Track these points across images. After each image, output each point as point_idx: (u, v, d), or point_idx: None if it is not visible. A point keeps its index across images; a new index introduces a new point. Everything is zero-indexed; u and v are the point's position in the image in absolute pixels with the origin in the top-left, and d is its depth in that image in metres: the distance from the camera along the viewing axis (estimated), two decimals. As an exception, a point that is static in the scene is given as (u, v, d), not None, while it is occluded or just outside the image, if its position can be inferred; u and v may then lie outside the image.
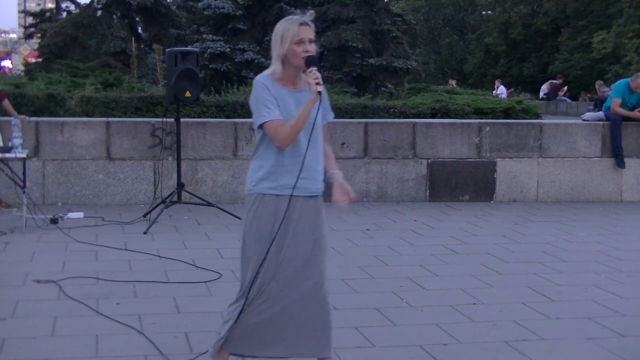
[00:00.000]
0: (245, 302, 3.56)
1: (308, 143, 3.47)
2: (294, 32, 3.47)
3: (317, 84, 3.40)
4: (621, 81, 10.83)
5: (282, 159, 3.52)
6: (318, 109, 3.46)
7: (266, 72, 3.58)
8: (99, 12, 22.79)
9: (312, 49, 3.50)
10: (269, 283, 3.54)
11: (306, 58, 3.46)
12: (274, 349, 3.62)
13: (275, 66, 3.54)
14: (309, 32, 3.50)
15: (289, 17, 3.58)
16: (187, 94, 7.96)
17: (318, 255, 3.61)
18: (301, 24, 3.48)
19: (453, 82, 31.41)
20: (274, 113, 3.47)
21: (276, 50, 3.51)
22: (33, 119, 8.92)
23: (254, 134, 3.61)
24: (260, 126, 3.50)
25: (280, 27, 3.52)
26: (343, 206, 3.62)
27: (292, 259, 3.54)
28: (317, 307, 3.64)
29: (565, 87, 29.39)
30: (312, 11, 3.65)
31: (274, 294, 3.55)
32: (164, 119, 8.77)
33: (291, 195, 3.49)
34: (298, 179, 3.47)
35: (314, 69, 3.44)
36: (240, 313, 3.56)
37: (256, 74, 15.32)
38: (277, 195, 3.53)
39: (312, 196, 3.59)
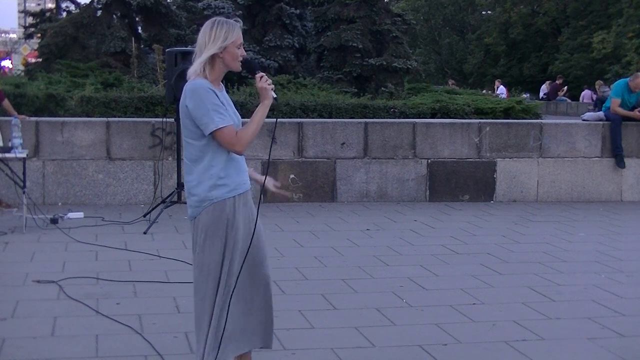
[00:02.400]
0: (227, 310, 3.52)
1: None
2: (237, 35, 3.48)
3: (272, 89, 3.50)
4: (620, 81, 10.83)
5: (232, 162, 3.53)
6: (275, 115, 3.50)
7: (195, 73, 3.48)
8: (99, 12, 22.77)
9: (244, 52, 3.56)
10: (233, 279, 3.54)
11: (248, 61, 3.53)
12: (245, 343, 3.64)
13: (199, 67, 3.47)
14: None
15: (222, 19, 3.53)
16: (187, 94, 7.95)
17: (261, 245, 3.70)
18: (240, 27, 3.52)
19: (451, 82, 31.41)
20: (227, 119, 3.46)
21: (212, 49, 3.45)
22: (33, 119, 8.92)
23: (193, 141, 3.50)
24: (212, 132, 3.42)
25: (220, 28, 3.47)
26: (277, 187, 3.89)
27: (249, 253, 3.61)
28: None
29: (565, 87, 29.40)
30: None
31: (240, 293, 3.58)
32: (164, 119, 8.77)
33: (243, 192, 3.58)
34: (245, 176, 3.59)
35: (263, 74, 3.51)
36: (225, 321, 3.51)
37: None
38: (233, 197, 3.52)
39: (248, 190, 3.67)
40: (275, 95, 3.52)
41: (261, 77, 3.50)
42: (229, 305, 3.52)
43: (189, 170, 3.54)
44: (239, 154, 3.52)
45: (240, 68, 3.54)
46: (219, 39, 3.45)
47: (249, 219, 3.63)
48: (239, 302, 3.57)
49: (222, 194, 3.49)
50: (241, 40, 3.51)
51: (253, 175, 3.82)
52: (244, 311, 3.60)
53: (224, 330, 3.49)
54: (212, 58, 3.47)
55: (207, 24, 3.51)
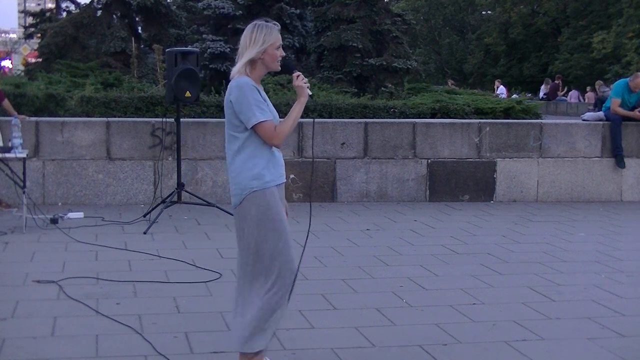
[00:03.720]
0: (291, 288, 3.83)
1: None
2: (276, 38, 3.74)
3: (308, 87, 3.78)
4: (620, 81, 10.83)
5: (271, 154, 3.80)
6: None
7: (238, 72, 3.74)
8: (99, 12, 22.77)
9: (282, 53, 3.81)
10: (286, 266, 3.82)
11: (285, 62, 3.78)
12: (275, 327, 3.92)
13: (242, 67, 3.74)
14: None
15: (262, 23, 3.77)
16: (187, 94, 7.96)
17: None
18: (278, 30, 3.77)
19: (450, 83, 31.41)
20: (268, 114, 3.72)
21: (252, 52, 3.71)
22: (33, 119, 8.92)
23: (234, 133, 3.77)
24: (254, 126, 3.69)
25: (260, 32, 3.73)
26: None
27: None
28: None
29: (566, 88, 29.43)
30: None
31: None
32: (164, 119, 8.77)
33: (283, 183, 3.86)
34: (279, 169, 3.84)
35: (300, 73, 3.81)
36: (289, 297, 3.84)
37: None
38: (277, 186, 3.80)
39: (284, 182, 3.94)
40: (310, 93, 3.79)
41: (297, 76, 3.78)
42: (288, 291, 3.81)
43: (231, 161, 3.79)
44: (277, 147, 3.80)
45: (280, 68, 3.80)
46: (258, 42, 3.71)
47: (284, 211, 3.88)
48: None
49: (262, 183, 3.74)
50: (279, 42, 3.77)
51: None
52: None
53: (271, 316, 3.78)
54: (253, 60, 3.73)
55: (248, 27, 3.77)
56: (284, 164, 3.90)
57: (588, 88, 31.80)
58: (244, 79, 3.72)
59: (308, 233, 4.05)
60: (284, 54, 3.81)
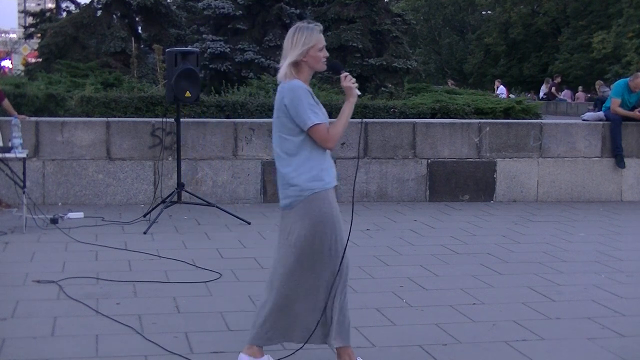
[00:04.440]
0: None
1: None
2: (317, 39, 3.78)
3: (356, 87, 3.78)
4: (620, 81, 10.83)
5: (326, 157, 3.89)
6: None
7: (285, 75, 3.79)
8: (99, 12, 22.77)
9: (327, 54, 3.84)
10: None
11: (332, 63, 3.80)
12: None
13: (287, 70, 3.78)
14: (323, 39, 3.84)
15: (303, 24, 3.81)
16: (187, 94, 7.96)
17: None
18: (320, 31, 3.81)
19: (450, 83, 31.42)
20: (321, 117, 3.78)
21: (294, 54, 3.76)
22: (33, 119, 8.92)
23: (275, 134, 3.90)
24: (309, 128, 3.74)
25: (302, 34, 3.77)
26: None
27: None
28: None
29: (564, 90, 29.48)
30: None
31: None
32: (164, 119, 8.77)
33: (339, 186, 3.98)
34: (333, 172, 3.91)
35: (347, 73, 3.78)
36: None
37: (256, 74, 15.36)
38: (329, 189, 3.88)
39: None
40: (359, 93, 3.80)
41: (345, 76, 3.79)
42: (334, 293, 3.87)
43: (285, 163, 3.84)
44: (330, 149, 3.86)
45: (325, 68, 3.85)
46: (299, 44, 3.76)
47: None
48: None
49: (321, 185, 3.83)
50: (322, 43, 3.80)
51: None
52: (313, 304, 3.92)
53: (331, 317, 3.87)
54: (296, 62, 3.78)
55: (290, 30, 3.83)
56: (334, 165, 3.98)
57: (580, 88, 31.91)
58: (296, 82, 3.76)
59: (349, 232, 4.00)
60: (327, 54, 3.81)
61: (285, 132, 3.81)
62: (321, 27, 3.83)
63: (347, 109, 3.80)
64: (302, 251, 3.83)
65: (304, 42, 3.74)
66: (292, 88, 3.74)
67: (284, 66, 3.79)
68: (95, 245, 6.90)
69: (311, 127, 3.72)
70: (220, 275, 5.90)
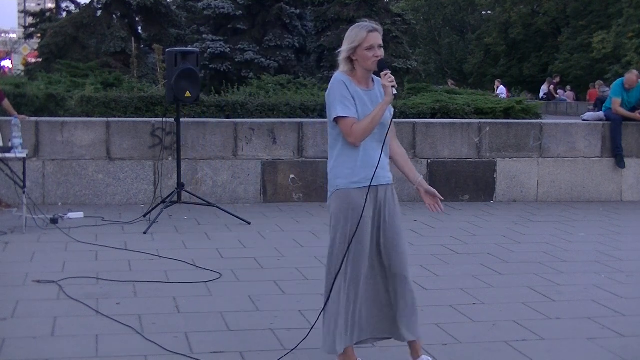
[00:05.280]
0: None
1: (385, 139, 3.81)
2: (362, 38, 3.75)
3: (393, 86, 3.69)
4: (618, 81, 10.86)
5: (364, 154, 3.77)
6: (392, 109, 3.78)
7: (341, 70, 3.83)
8: (99, 12, 22.79)
9: (382, 53, 3.78)
10: (360, 268, 3.82)
11: (378, 62, 3.74)
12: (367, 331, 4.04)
13: (344, 66, 3.81)
14: (378, 38, 3.78)
15: (360, 23, 3.84)
16: (187, 94, 7.96)
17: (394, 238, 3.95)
18: (370, 31, 3.77)
19: (450, 83, 31.42)
20: (350, 111, 3.73)
21: (345, 52, 3.80)
22: (33, 119, 8.91)
23: (330, 128, 3.85)
24: (335, 120, 3.74)
25: (352, 32, 3.79)
26: (439, 210, 4.16)
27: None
28: None
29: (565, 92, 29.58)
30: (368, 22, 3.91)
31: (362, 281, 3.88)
32: (164, 119, 8.77)
33: (369, 186, 3.77)
34: (376, 170, 3.76)
35: (388, 72, 3.71)
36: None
37: (256, 74, 15.36)
38: (358, 188, 3.77)
39: (387, 184, 3.93)
40: (395, 92, 3.71)
41: (385, 74, 3.72)
42: (351, 293, 3.81)
43: (329, 156, 3.89)
44: (354, 144, 3.74)
45: (375, 68, 3.79)
46: (347, 42, 3.79)
47: (380, 215, 3.87)
48: (366, 293, 3.88)
49: (345, 183, 3.78)
50: (371, 42, 3.74)
51: (422, 184, 4.13)
52: (371, 301, 3.90)
53: (342, 315, 3.81)
54: (349, 59, 3.80)
55: (350, 27, 3.85)
56: (382, 166, 3.84)
57: (568, 87, 32.00)
58: (336, 75, 3.81)
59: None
60: (379, 54, 3.75)
61: (328, 125, 3.85)
62: (373, 26, 3.79)
63: (378, 107, 3.73)
64: (329, 245, 3.88)
65: (352, 39, 3.77)
66: (332, 79, 3.81)
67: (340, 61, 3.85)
68: (95, 245, 6.90)
69: (335, 118, 3.74)
70: (220, 275, 5.90)
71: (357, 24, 3.84)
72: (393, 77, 3.70)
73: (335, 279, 3.80)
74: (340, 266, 3.78)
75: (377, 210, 3.85)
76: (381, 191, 3.87)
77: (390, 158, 4.03)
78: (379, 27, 3.83)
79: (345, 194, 3.77)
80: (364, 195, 3.75)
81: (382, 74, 3.73)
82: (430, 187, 4.06)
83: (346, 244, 3.77)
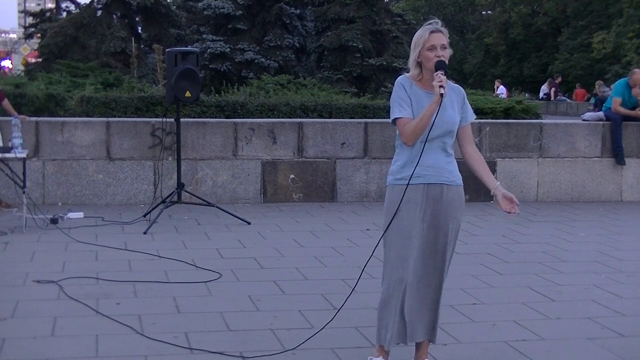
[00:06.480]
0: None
1: (426, 140, 3.79)
2: (424, 39, 3.78)
3: (441, 86, 3.67)
4: (620, 80, 10.85)
5: (415, 153, 3.85)
6: (438, 110, 3.71)
7: (407, 73, 3.91)
8: (99, 12, 22.79)
9: (445, 53, 3.78)
10: (408, 264, 3.96)
11: (436, 62, 3.73)
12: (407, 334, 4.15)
13: (412, 70, 3.87)
14: (441, 38, 3.78)
15: (425, 24, 3.85)
16: (187, 94, 7.95)
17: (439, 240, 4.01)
18: (432, 32, 3.78)
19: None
20: (405, 112, 3.81)
21: (412, 56, 3.85)
22: (33, 119, 8.92)
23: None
24: (393, 122, 3.86)
25: (417, 34, 3.83)
26: (515, 213, 4.05)
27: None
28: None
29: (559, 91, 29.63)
30: (436, 20, 3.91)
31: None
32: (164, 119, 8.77)
33: (407, 184, 3.83)
34: (415, 169, 3.81)
35: (440, 72, 3.71)
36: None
37: (256, 74, 15.38)
38: (403, 185, 3.84)
39: (436, 184, 3.95)
40: (442, 92, 3.69)
41: (436, 74, 3.72)
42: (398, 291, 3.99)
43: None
44: (406, 144, 3.84)
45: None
46: (413, 45, 3.84)
47: (429, 213, 3.91)
48: (411, 293, 3.97)
49: (393, 179, 3.92)
50: (430, 43, 3.75)
51: (499, 189, 4.14)
52: (414, 302, 3.98)
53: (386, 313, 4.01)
54: (417, 62, 3.84)
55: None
56: (437, 164, 3.94)
57: (577, 84, 32.06)
58: (399, 78, 3.90)
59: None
60: (441, 55, 3.73)
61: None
62: (437, 27, 3.80)
63: (427, 107, 3.73)
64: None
65: (416, 42, 3.81)
66: (395, 82, 3.90)
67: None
68: (95, 245, 6.90)
69: (392, 120, 3.85)
70: (220, 275, 5.90)
71: (423, 25, 3.84)
72: (443, 78, 3.69)
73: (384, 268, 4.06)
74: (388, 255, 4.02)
75: (427, 208, 3.91)
76: (434, 190, 3.92)
77: (466, 163, 4.20)
78: (444, 29, 3.83)
79: (390, 190, 3.93)
80: (410, 193, 3.84)
81: (434, 74, 3.73)
82: (507, 191, 4.09)
83: (395, 240, 3.94)
